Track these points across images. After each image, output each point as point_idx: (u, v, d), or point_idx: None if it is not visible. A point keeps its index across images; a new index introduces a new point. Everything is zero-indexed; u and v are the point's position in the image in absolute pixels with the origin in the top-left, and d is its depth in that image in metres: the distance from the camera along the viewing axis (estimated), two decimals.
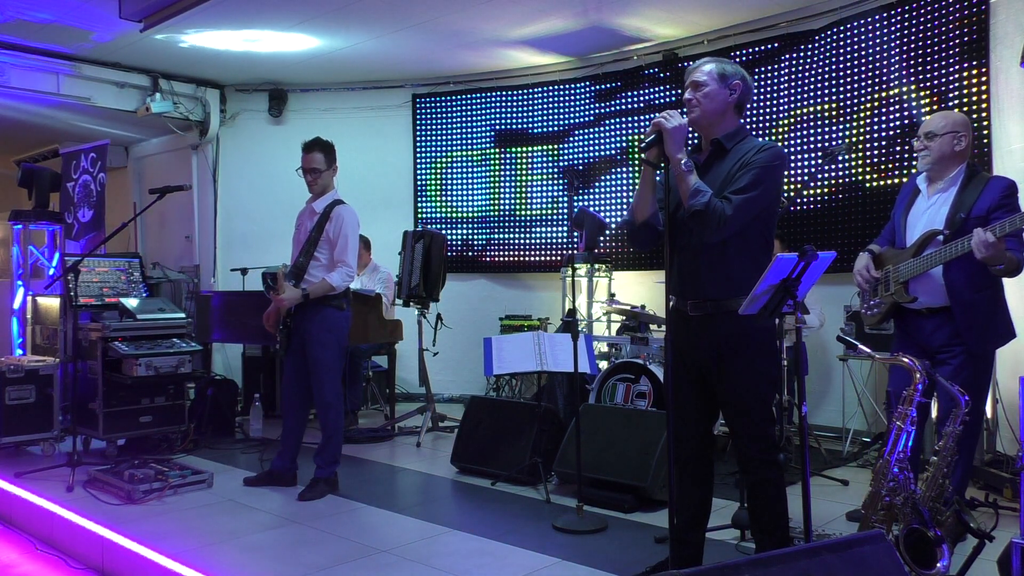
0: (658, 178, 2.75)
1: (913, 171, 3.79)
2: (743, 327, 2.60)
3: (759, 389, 2.69)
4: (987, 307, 3.23)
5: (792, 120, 5.93)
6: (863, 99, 5.55)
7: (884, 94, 5.43)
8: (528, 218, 7.47)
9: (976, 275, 3.17)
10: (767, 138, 5.97)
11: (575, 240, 6.55)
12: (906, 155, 5.28)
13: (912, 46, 5.27)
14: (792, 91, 5.92)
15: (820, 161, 5.61)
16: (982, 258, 3.01)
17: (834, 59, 5.67)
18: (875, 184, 5.48)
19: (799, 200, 5.79)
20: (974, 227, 3.07)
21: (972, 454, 3.37)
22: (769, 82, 6.03)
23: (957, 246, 3.11)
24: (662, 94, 6.65)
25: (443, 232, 6.36)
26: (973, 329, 3.19)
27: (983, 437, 4.50)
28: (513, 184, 7.54)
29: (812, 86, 5.80)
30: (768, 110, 6.05)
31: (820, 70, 5.76)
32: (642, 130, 6.75)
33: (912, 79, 5.27)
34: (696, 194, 2.58)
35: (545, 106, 7.34)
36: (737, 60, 6.11)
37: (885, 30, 5.40)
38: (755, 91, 6.02)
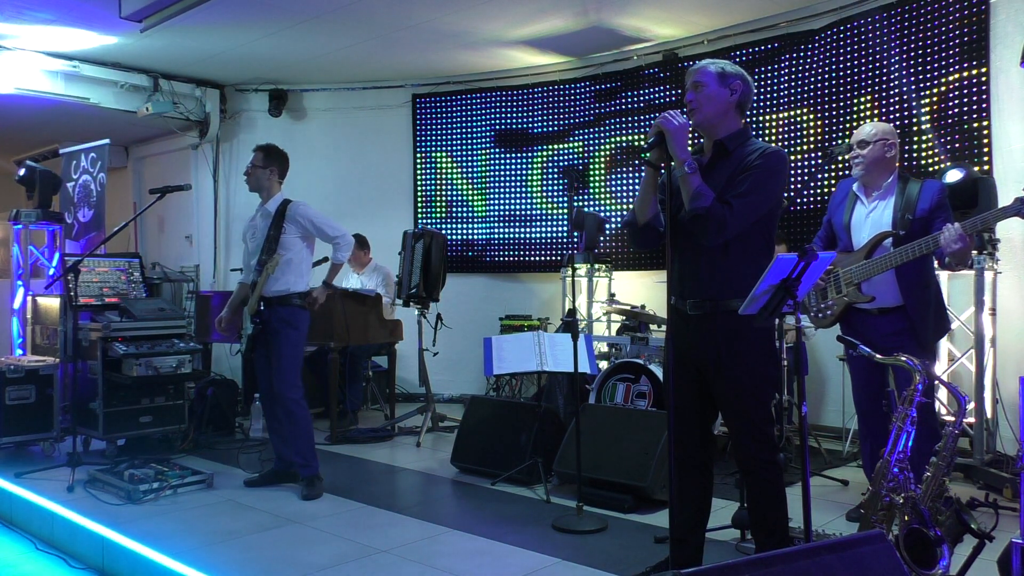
0: (660, 179, 2.75)
1: (848, 176, 3.91)
2: (742, 327, 2.60)
3: (758, 389, 2.69)
4: (934, 303, 3.43)
5: (792, 120, 5.93)
6: (863, 99, 5.55)
7: (884, 94, 5.43)
8: (528, 218, 7.47)
9: (924, 273, 3.41)
10: (767, 138, 5.98)
11: (575, 240, 6.55)
12: (906, 155, 5.28)
13: (912, 46, 5.27)
14: (792, 91, 5.92)
15: (820, 161, 5.61)
16: (951, 253, 3.14)
17: (834, 59, 5.67)
18: None
19: (799, 200, 5.78)
20: (920, 227, 3.32)
21: (932, 444, 3.45)
22: (769, 82, 6.03)
23: (919, 246, 3.26)
24: (662, 94, 6.65)
25: (443, 232, 6.36)
26: (925, 324, 3.38)
27: (983, 437, 4.51)
28: (513, 184, 7.54)
29: (812, 86, 5.81)
30: (768, 110, 6.05)
31: (820, 70, 5.76)
32: (642, 130, 6.75)
33: (912, 79, 5.27)
34: (698, 197, 2.57)
35: (545, 106, 7.34)
36: (737, 60, 6.11)
37: (885, 30, 5.40)
38: (755, 91, 6.02)
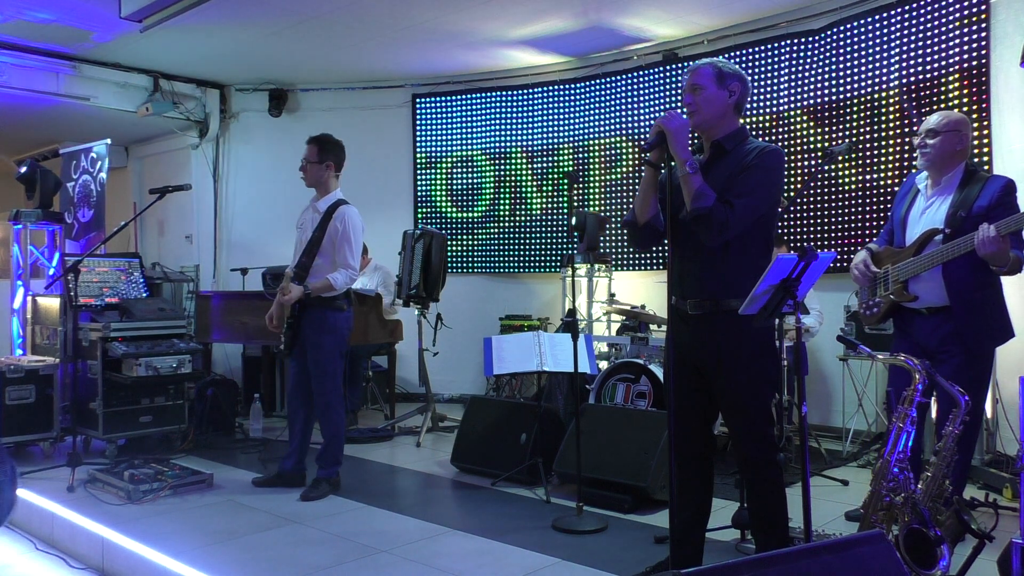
0: (660, 179, 2.75)
1: (913, 170, 3.78)
2: (742, 327, 2.60)
3: (758, 389, 2.69)
4: (987, 306, 3.22)
5: (792, 120, 5.93)
6: (863, 99, 5.55)
7: (884, 94, 5.43)
8: (528, 218, 7.47)
9: (976, 274, 3.15)
10: (767, 138, 5.98)
11: (575, 240, 6.54)
12: (906, 155, 5.28)
13: (912, 46, 5.27)
14: (792, 91, 5.92)
15: (820, 161, 5.61)
16: (984, 255, 2.99)
17: (834, 59, 5.67)
18: (875, 184, 5.48)
19: (799, 200, 5.78)
20: (974, 225, 3.06)
21: (971, 454, 3.37)
22: (769, 82, 6.03)
23: (959, 245, 3.09)
24: (662, 94, 6.65)
25: (443, 232, 6.37)
26: (973, 328, 3.17)
27: (983, 437, 4.50)
28: (513, 184, 7.54)
29: (812, 86, 5.81)
30: (768, 110, 6.05)
31: (820, 70, 5.76)
32: (642, 130, 6.75)
33: (912, 79, 5.27)
34: (700, 197, 2.57)
35: (545, 106, 7.34)
36: (737, 60, 6.11)
37: (885, 30, 5.40)
38: (755, 91, 6.03)
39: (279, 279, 4.34)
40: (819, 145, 5.77)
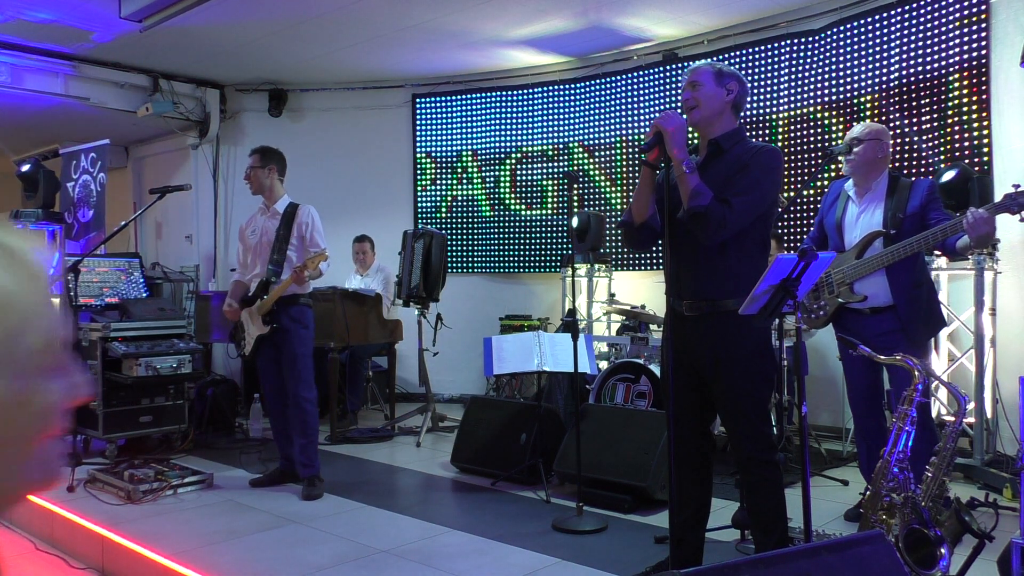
0: (658, 179, 2.76)
1: (839, 177, 3.92)
2: (739, 327, 2.60)
3: (755, 389, 2.69)
4: (924, 301, 3.43)
5: (792, 120, 5.92)
6: (863, 99, 5.55)
7: (884, 94, 5.43)
8: (528, 218, 7.47)
9: (914, 272, 3.40)
10: (766, 138, 5.98)
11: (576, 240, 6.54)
12: (906, 155, 5.28)
13: (912, 46, 5.26)
14: (792, 91, 5.92)
15: (820, 161, 5.61)
16: (976, 236, 3.06)
17: (834, 59, 5.67)
18: None
19: (799, 200, 5.78)
20: (912, 225, 3.34)
21: (933, 432, 3.47)
22: (769, 82, 6.03)
23: (906, 247, 3.28)
24: (662, 94, 6.65)
25: (443, 232, 6.37)
26: (916, 322, 3.39)
27: (983, 437, 4.50)
28: (513, 184, 7.54)
29: (812, 86, 5.81)
30: (768, 110, 6.05)
31: (820, 70, 5.76)
32: (642, 130, 6.75)
33: (912, 79, 5.27)
34: (697, 196, 2.58)
35: (545, 106, 7.34)
36: (737, 60, 6.11)
37: (885, 30, 5.40)
38: (755, 91, 6.03)
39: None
40: (819, 145, 5.77)
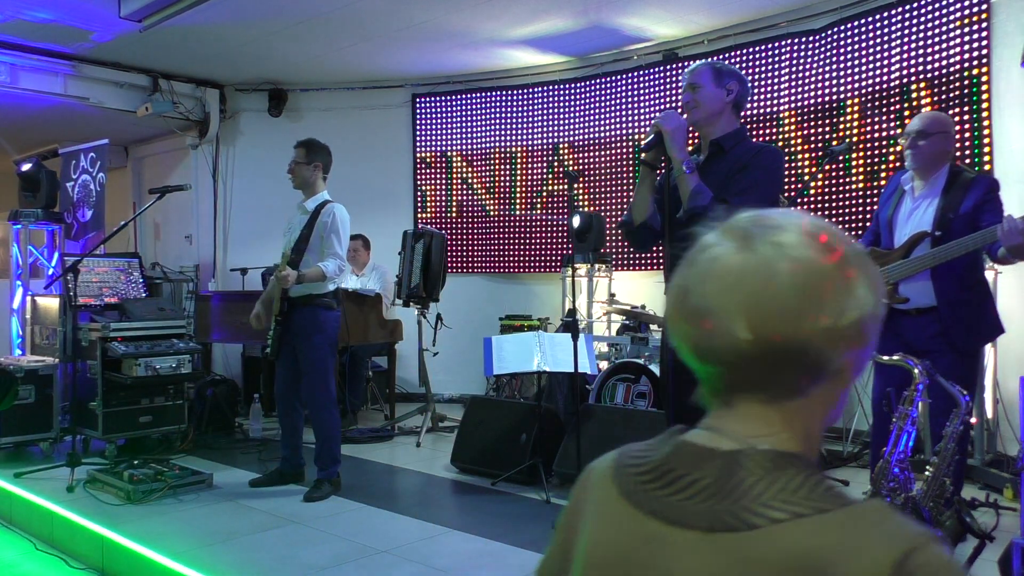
0: (658, 180, 2.75)
1: (900, 169, 3.77)
2: None
3: None
4: (974, 305, 3.23)
5: (792, 119, 5.92)
6: (863, 99, 5.55)
7: (884, 94, 5.43)
8: (528, 218, 7.47)
9: (964, 274, 3.17)
10: (767, 137, 5.98)
11: (576, 240, 6.53)
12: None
13: (912, 46, 5.26)
14: (792, 91, 5.91)
15: (820, 160, 5.60)
16: (1012, 246, 2.92)
17: (834, 59, 5.67)
18: (875, 184, 5.48)
19: (799, 200, 5.78)
20: (962, 226, 3.08)
21: (965, 452, 3.37)
22: (769, 82, 6.03)
23: (951, 249, 3.09)
24: (662, 94, 6.65)
25: (443, 232, 6.36)
26: (959, 327, 3.18)
27: (983, 437, 4.50)
28: (513, 183, 7.54)
29: (812, 86, 5.80)
30: (768, 110, 6.05)
31: (820, 70, 5.76)
32: (642, 130, 6.75)
33: (912, 79, 5.26)
34: (697, 195, 2.57)
35: (545, 106, 7.34)
36: (737, 60, 6.11)
37: (885, 30, 5.39)
38: (755, 91, 6.03)
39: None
40: (819, 144, 5.77)
